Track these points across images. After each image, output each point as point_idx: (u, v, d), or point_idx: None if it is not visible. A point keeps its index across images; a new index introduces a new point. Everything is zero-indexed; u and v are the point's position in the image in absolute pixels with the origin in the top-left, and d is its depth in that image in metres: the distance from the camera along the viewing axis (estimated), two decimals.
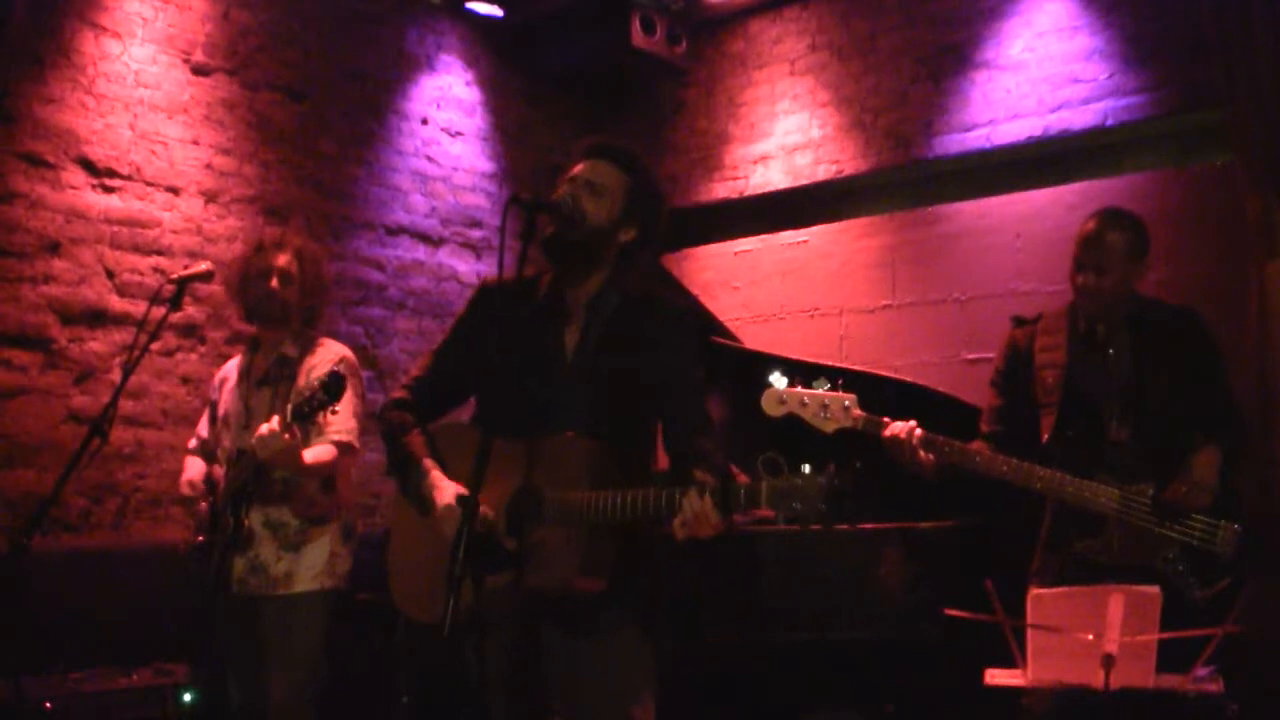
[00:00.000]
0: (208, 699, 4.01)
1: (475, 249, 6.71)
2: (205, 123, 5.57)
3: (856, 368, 4.85)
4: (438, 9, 6.61)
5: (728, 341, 4.99)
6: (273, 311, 3.89)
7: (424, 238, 6.47)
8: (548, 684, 2.79)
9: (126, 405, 5.03)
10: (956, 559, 4.01)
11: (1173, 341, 3.45)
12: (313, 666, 3.77)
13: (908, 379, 4.74)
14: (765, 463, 2.42)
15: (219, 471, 3.83)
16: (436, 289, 6.50)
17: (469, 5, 6.64)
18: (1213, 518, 3.27)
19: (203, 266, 3.99)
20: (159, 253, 5.35)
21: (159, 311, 3.91)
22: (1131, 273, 3.43)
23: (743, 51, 6.93)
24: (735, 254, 7.04)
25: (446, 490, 2.72)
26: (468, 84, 6.75)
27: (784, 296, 6.76)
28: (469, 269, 6.65)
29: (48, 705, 3.91)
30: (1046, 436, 3.44)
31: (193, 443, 4.09)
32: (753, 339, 5.71)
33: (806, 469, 2.39)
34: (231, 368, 4.06)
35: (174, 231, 5.42)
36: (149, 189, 5.36)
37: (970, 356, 5.91)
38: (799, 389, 3.29)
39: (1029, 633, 2.95)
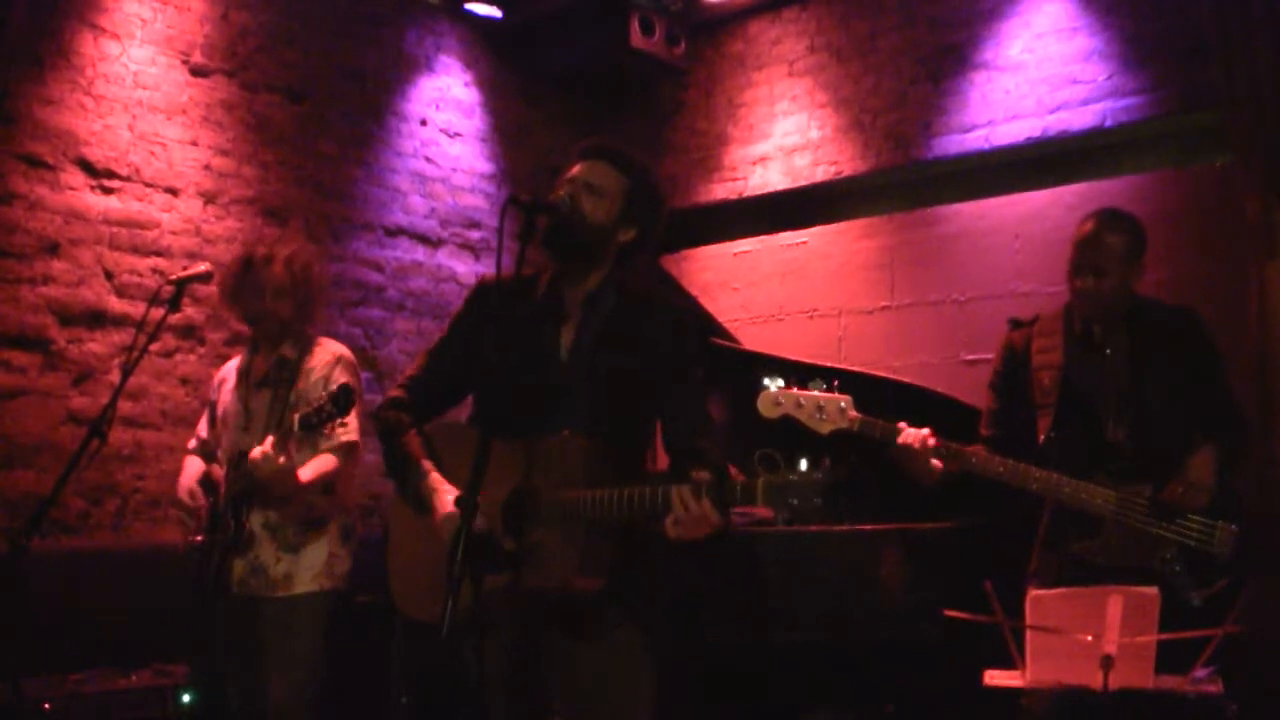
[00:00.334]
0: (207, 700, 4.00)
1: (474, 250, 6.71)
2: (204, 124, 5.57)
3: (855, 369, 4.85)
4: (437, 10, 6.61)
5: (726, 342, 4.99)
6: (270, 329, 3.90)
7: (423, 239, 6.47)
8: (547, 684, 2.79)
9: (125, 406, 5.03)
10: (956, 560, 4.02)
11: (1171, 342, 3.44)
12: (312, 667, 3.77)
13: (906, 380, 4.74)
14: (761, 459, 2.42)
15: (218, 472, 3.83)
16: (435, 290, 6.50)
17: (468, 6, 6.64)
18: (1210, 518, 3.27)
19: (201, 267, 3.99)
20: (158, 254, 5.35)
21: (158, 312, 3.91)
22: (1130, 274, 3.42)
23: (742, 52, 6.93)
24: (734, 255, 7.04)
25: (446, 495, 2.72)
26: (467, 85, 6.75)
27: (783, 297, 6.76)
28: (468, 270, 6.65)
29: (47, 706, 3.91)
30: (1043, 437, 3.44)
31: (192, 443, 4.09)
32: (751, 340, 5.71)
33: (803, 465, 2.39)
34: (231, 368, 4.06)
35: (173, 232, 5.42)
36: (148, 190, 5.35)
37: (969, 357, 5.91)
38: (795, 390, 3.29)
39: (1028, 634, 2.95)
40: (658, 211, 2.92)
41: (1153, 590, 2.90)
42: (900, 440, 3.32)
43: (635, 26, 6.35)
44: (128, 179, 5.29)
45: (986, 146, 5.89)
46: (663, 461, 2.93)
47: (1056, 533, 3.45)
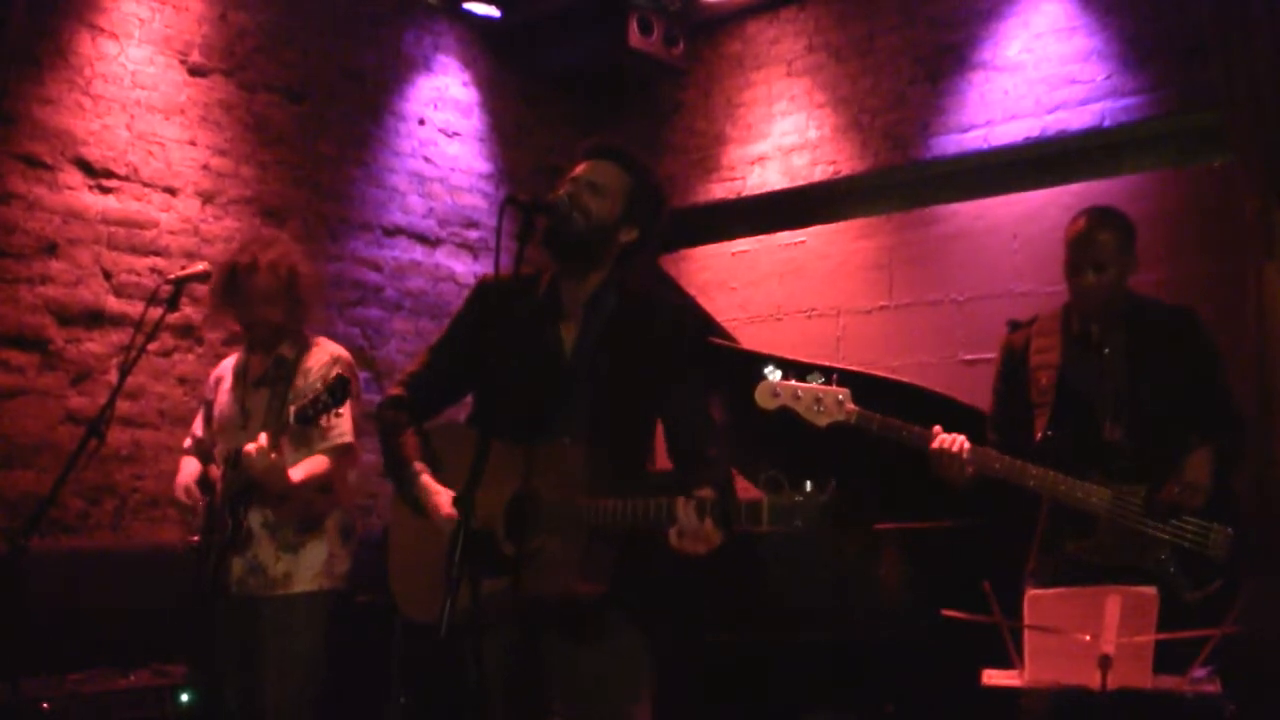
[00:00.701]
0: (205, 700, 4.00)
1: (472, 250, 6.71)
2: (202, 123, 5.57)
3: (853, 368, 4.84)
4: (435, 9, 6.61)
5: (724, 342, 4.98)
6: (264, 337, 3.89)
7: (421, 238, 6.46)
8: (547, 685, 2.79)
9: (124, 406, 5.03)
10: (955, 559, 4.02)
11: (1170, 341, 3.45)
12: (311, 667, 3.76)
13: (905, 380, 4.74)
14: (767, 481, 2.41)
15: (215, 472, 3.82)
16: (434, 290, 6.50)
17: (466, 6, 6.63)
18: (1206, 519, 3.27)
19: (200, 267, 3.99)
20: (156, 253, 5.35)
21: (156, 312, 3.91)
22: (1126, 267, 3.45)
23: (740, 52, 6.93)
24: (732, 255, 7.04)
25: (441, 496, 2.72)
26: (465, 84, 6.75)
27: (781, 297, 6.76)
28: (466, 270, 6.65)
29: (45, 706, 3.90)
30: (1039, 436, 3.44)
31: (188, 442, 4.08)
32: (750, 339, 5.70)
33: (809, 486, 2.39)
34: (227, 367, 4.05)
35: (171, 232, 5.42)
36: (146, 190, 5.35)
37: (968, 357, 5.91)
38: (793, 382, 3.29)
39: (1026, 633, 2.95)
40: (660, 212, 2.92)
41: (1151, 590, 2.90)
42: (934, 445, 3.32)
43: (634, 26, 6.35)
44: (126, 179, 5.29)
45: (985, 146, 5.89)
46: (663, 461, 2.93)
47: (1053, 532, 3.45)
